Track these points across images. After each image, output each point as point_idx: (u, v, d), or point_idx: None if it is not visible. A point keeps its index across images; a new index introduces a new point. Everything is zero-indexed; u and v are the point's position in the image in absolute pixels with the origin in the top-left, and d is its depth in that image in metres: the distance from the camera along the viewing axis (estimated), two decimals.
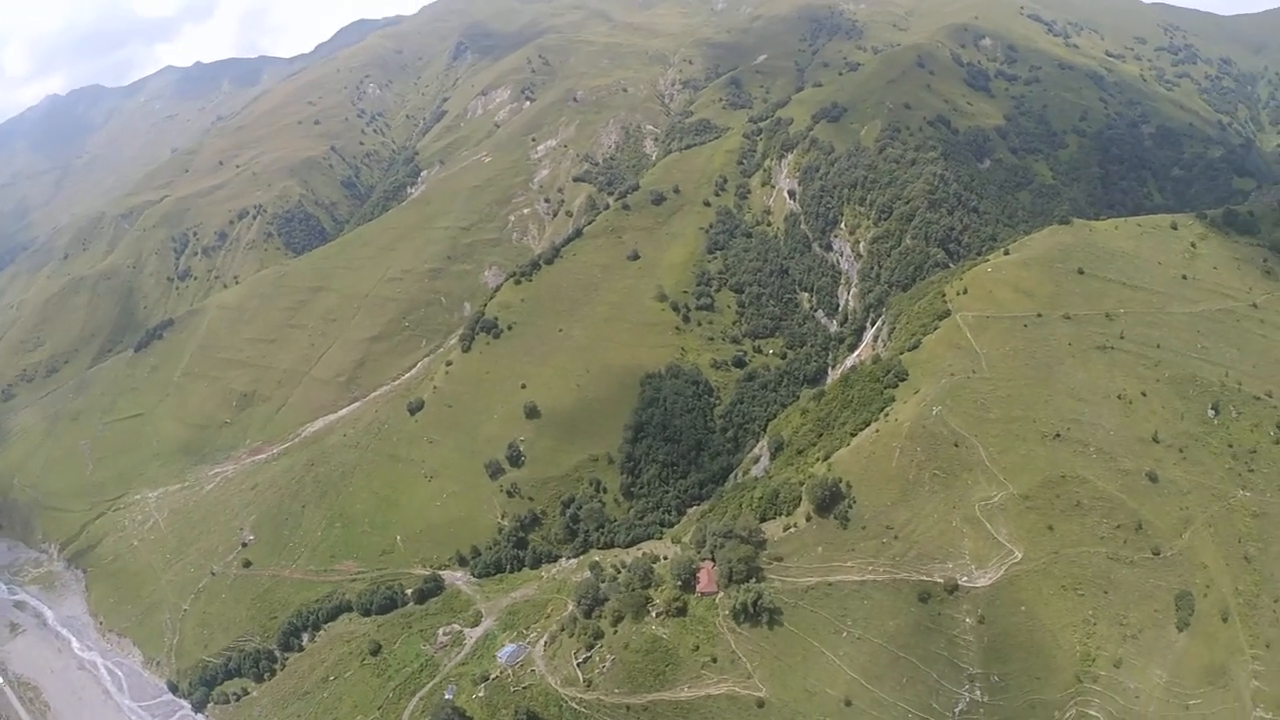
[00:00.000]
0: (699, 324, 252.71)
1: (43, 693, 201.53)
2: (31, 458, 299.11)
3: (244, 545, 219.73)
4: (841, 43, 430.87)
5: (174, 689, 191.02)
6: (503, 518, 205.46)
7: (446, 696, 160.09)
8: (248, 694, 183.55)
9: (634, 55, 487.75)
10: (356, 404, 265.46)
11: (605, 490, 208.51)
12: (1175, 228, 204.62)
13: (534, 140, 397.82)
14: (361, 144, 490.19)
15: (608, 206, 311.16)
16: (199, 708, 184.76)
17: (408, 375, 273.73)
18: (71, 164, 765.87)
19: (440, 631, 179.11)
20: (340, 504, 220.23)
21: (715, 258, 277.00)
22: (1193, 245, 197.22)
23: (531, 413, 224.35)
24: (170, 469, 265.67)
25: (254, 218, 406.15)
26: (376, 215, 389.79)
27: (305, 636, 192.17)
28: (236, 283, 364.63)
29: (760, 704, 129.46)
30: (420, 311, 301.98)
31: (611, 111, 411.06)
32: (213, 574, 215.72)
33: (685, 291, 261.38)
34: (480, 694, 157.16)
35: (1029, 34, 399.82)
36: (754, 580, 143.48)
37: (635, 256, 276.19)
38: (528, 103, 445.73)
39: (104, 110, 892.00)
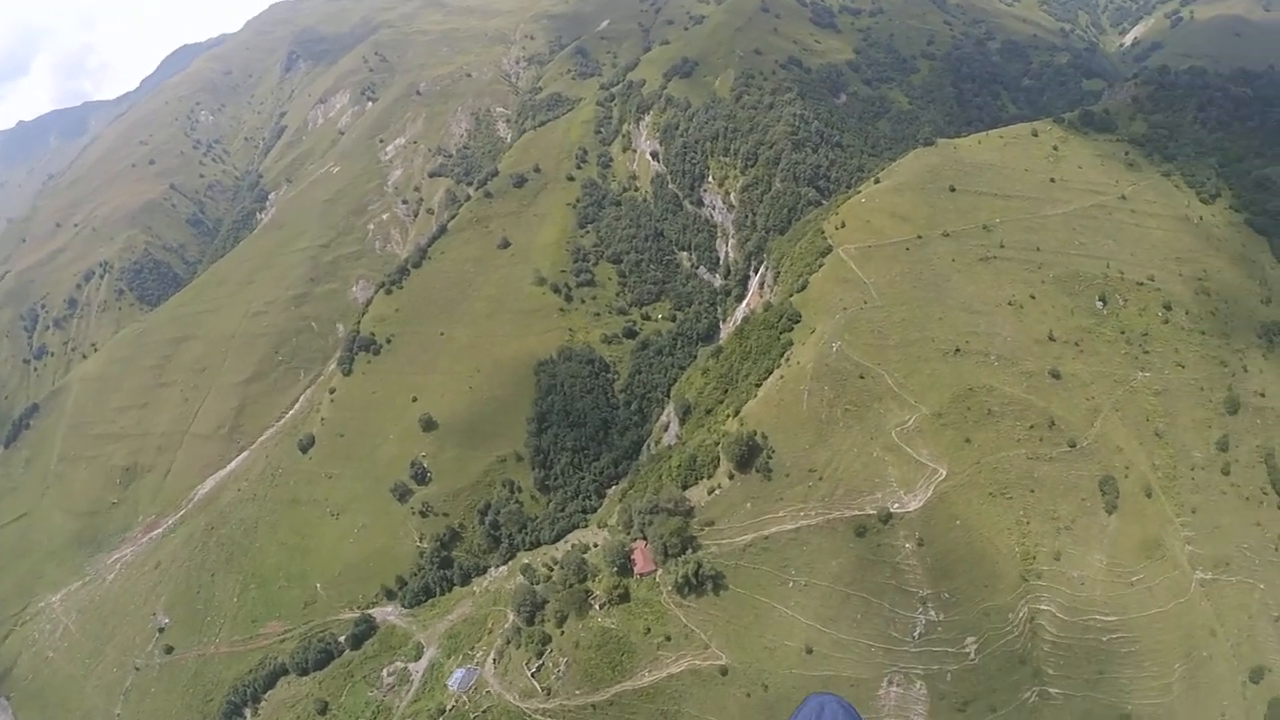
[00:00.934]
0: (583, 301, 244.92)
1: None
2: None
3: (160, 630, 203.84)
4: None
5: None
6: (421, 540, 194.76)
7: None
8: None
9: (473, 39, 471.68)
10: (245, 454, 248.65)
11: (520, 490, 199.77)
12: (1036, 134, 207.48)
13: (382, 141, 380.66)
14: (202, 176, 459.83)
15: (469, 198, 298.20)
16: None
17: (292, 412, 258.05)
18: None
19: (384, 673, 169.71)
20: (250, 564, 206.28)
21: (588, 232, 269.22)
22: (1055, 149, 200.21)
23: (429, 425, 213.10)
24: (67, 566, 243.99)
25: (101, 276, 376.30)
26: (229, 249, 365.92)
27: (248, 712, 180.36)
28: (95, 350, 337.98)
29: (724, 671, 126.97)
30: (292, 342, 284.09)
31: (459, 99, 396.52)
32: (136, 669, 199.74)
33: (563, 271, 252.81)
34: None
35: None
36: (690, 550, 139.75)
37: (506, 244, 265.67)
38: (370, 104, 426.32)
39: None
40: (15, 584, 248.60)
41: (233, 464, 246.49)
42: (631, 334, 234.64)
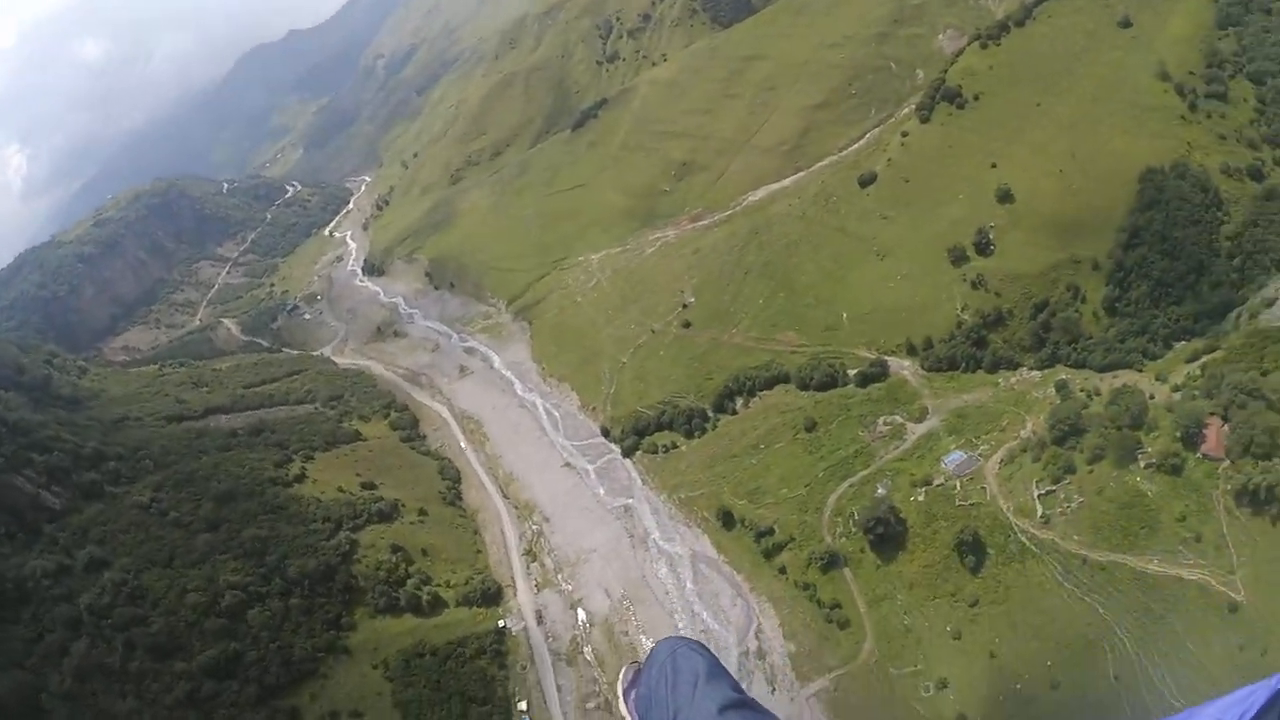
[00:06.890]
0: (1208, 116, 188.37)
1: (484, 425, 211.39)
2: (480, 229, 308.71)
3: (684, 307, 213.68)
4: None
5: (605, 434, 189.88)
6: (963, 310, 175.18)
7: (880, 492, 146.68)
8: (676, 448, 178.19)
9: None
10: (800, 174, 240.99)
11: (1085, 300, 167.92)
12: None
13: None
14: None
15: None
16: (628, 454, 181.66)
17: (855, 146, 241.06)
18: None
19: (880, 420, 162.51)
20: (784, 274, 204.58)
21: (1228, 35, 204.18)
22: None
23: (1004, 197, 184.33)
24: (611, 234, 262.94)
25: None
26: None
27: (739, 401, 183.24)
28: (665, 60, 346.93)
29: (1233, 608, 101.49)
30: (867, 79, 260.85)
31: None
32: (652, 331, 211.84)
33: (1190, 73, 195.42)
34: (919, 498, 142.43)
35: None
36: (1275, 459, 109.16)
37: (1127, 24, 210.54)
38: None
39: None
40: (560, 238, 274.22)
41: (787, 180, 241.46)
42: (1257, 176, 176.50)
